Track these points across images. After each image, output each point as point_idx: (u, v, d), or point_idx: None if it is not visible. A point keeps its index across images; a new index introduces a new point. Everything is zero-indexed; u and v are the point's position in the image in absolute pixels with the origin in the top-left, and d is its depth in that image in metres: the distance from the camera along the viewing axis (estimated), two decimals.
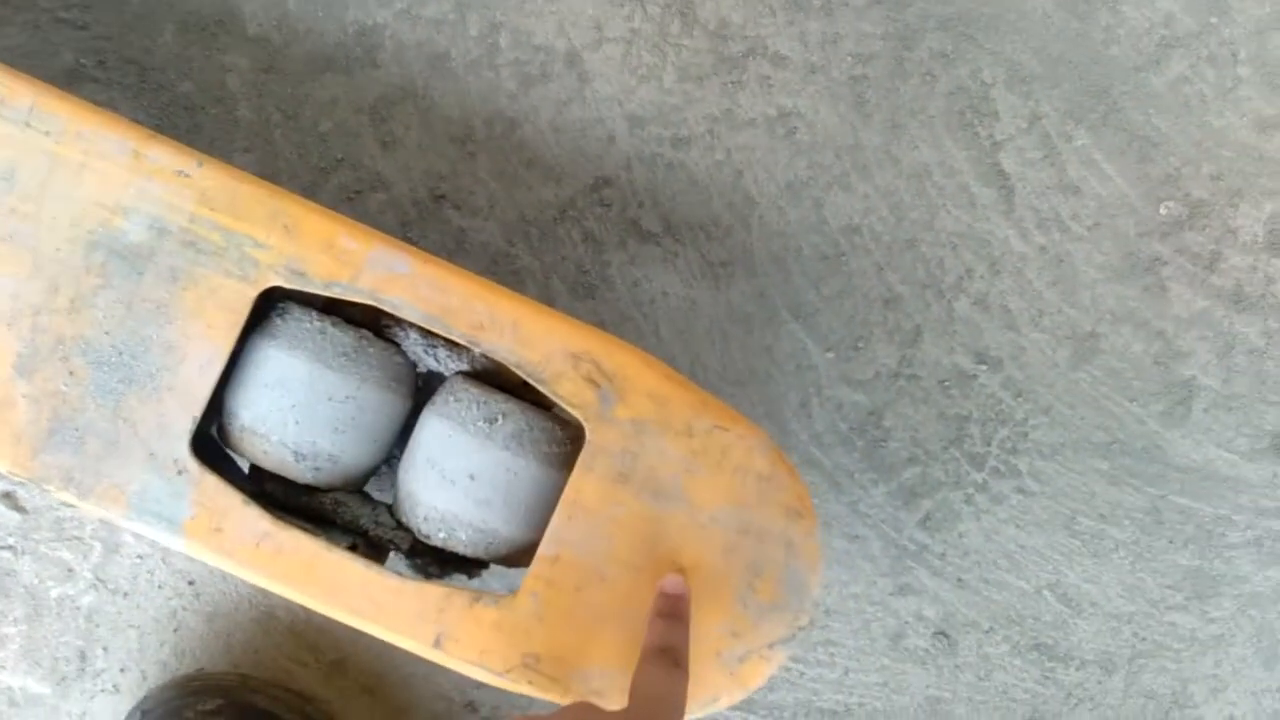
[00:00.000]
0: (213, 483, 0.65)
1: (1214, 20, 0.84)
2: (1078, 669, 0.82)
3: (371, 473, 0.71)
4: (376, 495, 0.74)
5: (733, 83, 0.82)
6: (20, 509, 0.80)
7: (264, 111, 0.81)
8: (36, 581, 0.80)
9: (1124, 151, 0.83)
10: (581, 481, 0.66)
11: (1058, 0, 0.83)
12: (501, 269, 0.81)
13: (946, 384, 0.82)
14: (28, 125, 0.65)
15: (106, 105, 0.80)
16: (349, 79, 0.81)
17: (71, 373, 0.65)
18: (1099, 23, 0.83)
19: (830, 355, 0.82)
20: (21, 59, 0.80)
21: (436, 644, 0.65)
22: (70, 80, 0.80)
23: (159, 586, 0.81)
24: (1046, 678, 0.82)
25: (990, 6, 0.83)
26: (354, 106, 0.81)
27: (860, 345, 0.82)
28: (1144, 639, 0.82)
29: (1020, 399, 0.82)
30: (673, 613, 0.62)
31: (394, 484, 0.70)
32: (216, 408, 0.68)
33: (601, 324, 0.81)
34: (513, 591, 0.66)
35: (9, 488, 0.80)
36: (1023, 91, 0.83)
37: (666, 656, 0.59)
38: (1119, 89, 0.83)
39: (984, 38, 0.83)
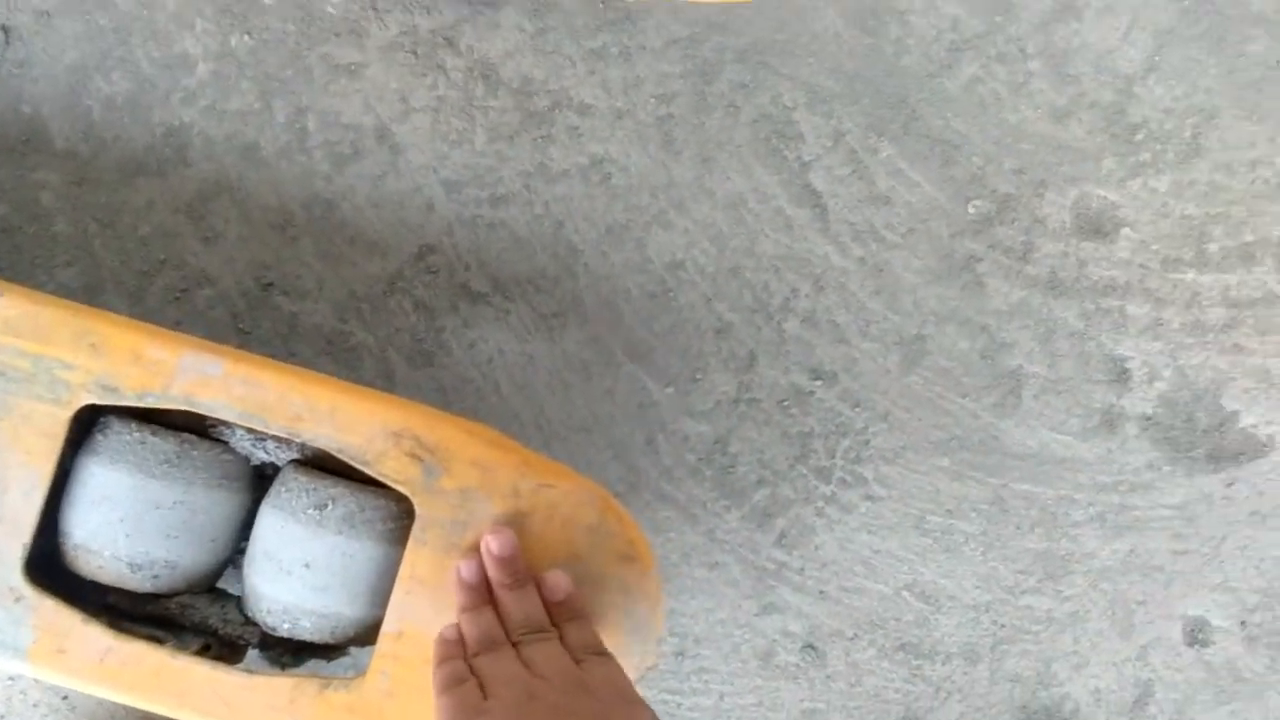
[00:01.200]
0: (50, 606, 0.66)
1: (999, 19, 0.87)
2: (943, 663, 0.84)
3: (219, 571, 0.72)
4: (235, 588, 0.75)
5: (543, 137, 0.84)
6: None
7: (81, 223, 0.81)
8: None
9: (927, 157, 0.85)
10: (416, 556, 0.67)
11: (847, 19, 0.86)
12: (337, 348, 0.82)
13: (786, 403, 0.84)
14: None
15: None
16: (163, 180, 0.82)
17: None
18: (889, 35, 0.86)
19: (670, 390, 0.84)
20: None
21: None
22: None
23: (34, 705, 0.81)
24: (915, 675, 0.84)
25: (783, 33, 0.85)
26: (171, 207, 0.82)
27: (698, 377, 0.84)
28: (1003, 625, 0.84)
29: (858, 409, 0.84)
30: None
31: (239, 579, 0.71)
32: (52, 528, 0.68)
33: (442, 390, 0.82)
34: (362, 672, 0.67)
35: None
36: (824, 111, 0.85)
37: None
38: (915, 97, 0.86)
39: (780, 64, 0.85)
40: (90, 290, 0.81)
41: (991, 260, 0.85)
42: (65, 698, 0.80)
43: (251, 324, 0.82)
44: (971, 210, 0.85)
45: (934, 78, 0.86)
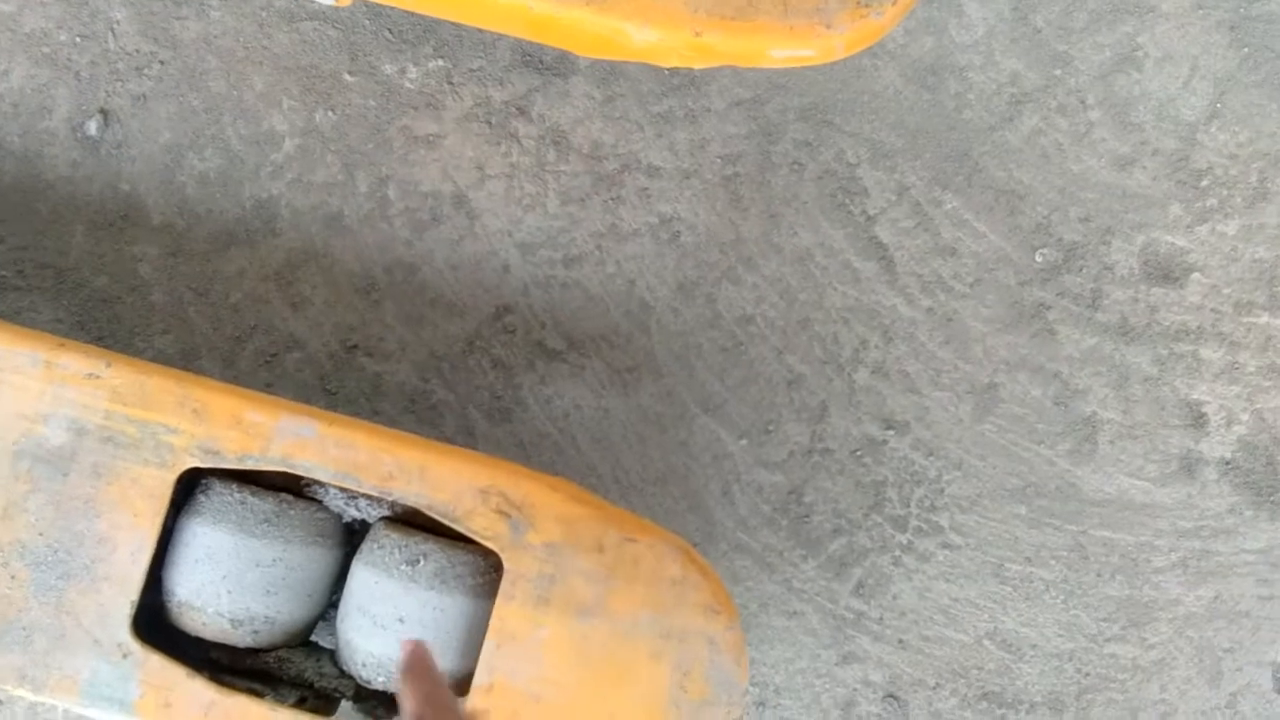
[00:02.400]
0: (157, 661, 0.68)
1: (1058, 72, 0.88)
2: (1028, 712, 0.83)
3: (313, 624, 0.74)
4: (328, 641, 0.77)
5: (613, 199, 0.87)
6: None
7: (176, 293, 0.86)
8: None
9: (992, 208, 0.87)
10: (505, 610, 0.69)
11: (906, 76, 0.88)
12: (419, 406, 0.85)
13: (859, 453, 0.85)
14: None
15: (28, 311, 0.85)
16: (252, 250, 0.86)
17: (13, 576, 0.69)
18: (949, 90, 0.88)
19: (744, 442, 0.85)
20: None
21: None
22: None
23: None
24: None
25: (844, 92, 0.88)
26: (260, 275, 0.86)
27: (771, 428, 0.85)
28: (1087, 674, 0.83)
29: (932, 457, 0.85)
30: (413, 668, 0.54)
31: (334, 633, 0.73)
32: (155, 587, 0.71)
33: (521, 445, 0.85)
34: None
35: None
36: (887, 166, 0.87)
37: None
38: (978, 150, 0.87)
39: (842, 121, 0.87)
40: (186, 356, 0.85)
41: (1061, 308, 0.86)
42: None
43: (338, 384, 0.85)
44: (1039, 259, 0.86)
45: (995, 130, 0.88)
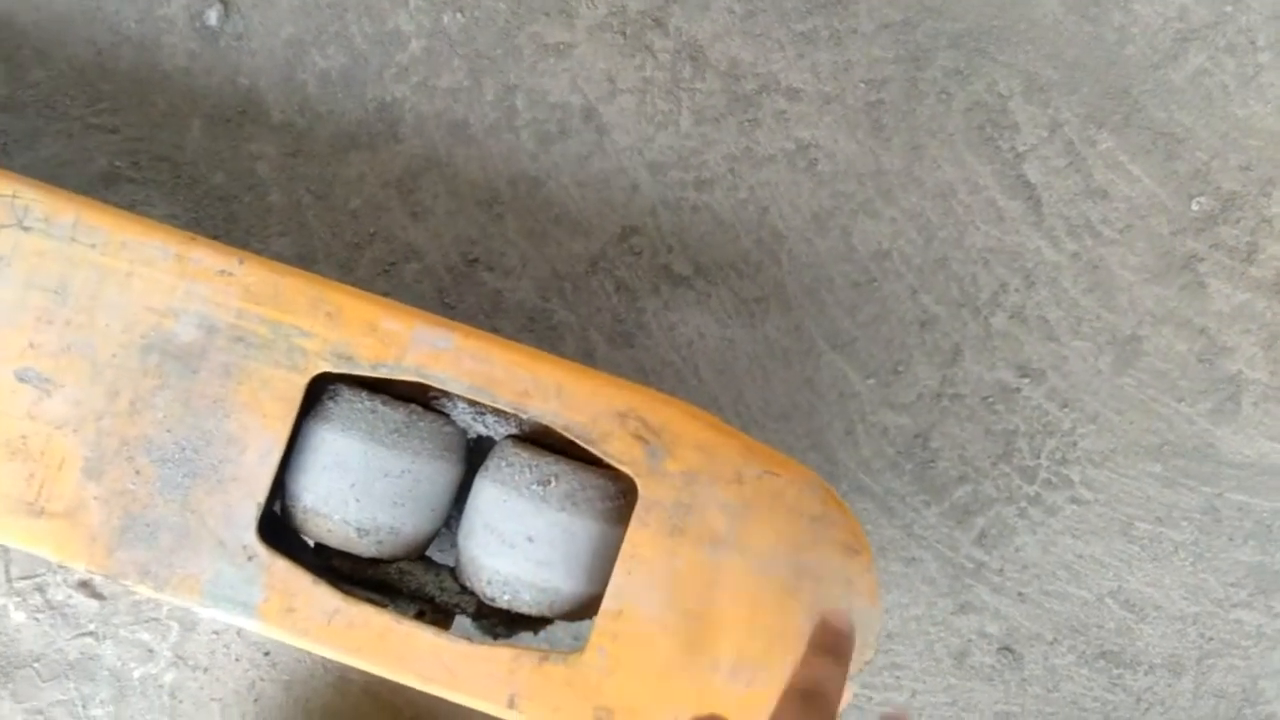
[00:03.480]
0: (282, 565, 0.67)
1: (1229, 9, 0.83)
2: (1146, 673, 0.81)
3: (431, 539, 0.73)
4: (437, 558, 0.76)
5: (749, 121, 0.83)
6: (98, 596, 0.83)
7: (295, 195, 0.83)
8: (119, 664, 0.83)
9: (1149, 150, 0.82)
10: (638, 536, 0.67)
11: (1067, 5, 0.83)
12: (539, 326, 0.83)
13: (990, 400, 0.82)
14: (73, 240, 0.68)
15: (143, 205, 0.83)
16: (374, 154, 0.83)
17: (138, 471, 0.68)
18: (1111, 23, 0.83)
19: (871, 381, 0.82)
20: (58, 168, 0.82)
21: (510, 704, 0.67)
22: (107, 183, 0.83)
23: (236, 659, 0.83)
24: (1115, 685, 0.81)
25: (1000, 18, 0.83)
26: (381, 181, 0.83)
27: (900, 369, 0.82)
28: (1210, 638, 0.81)
29: (1066, 409, 0.82)
30: (832, 650, 0.51)
31: (454, 548, 0.72)
32: (278, 491, 0.70)
33: (642, 371, 0.82)
34: (579, 648, 0.67)
35: (85, 576, 0.83)
36: (1041, 100, 0.83)
37: (814, 704, 0.47)
38: (1138, 88, 0.83)
39: (996, 50, 0.83)
40: (302, 260, 0.83)
41: (1214, 260, 0.82)
42: (267, 653, 0.83)
43: (456, 299, 0.83)
44: (1194, 207, 0.82)
45: (1158, 68, 0.83)
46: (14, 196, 0.68)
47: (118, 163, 0.83)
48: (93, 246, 0.68)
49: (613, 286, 0.83)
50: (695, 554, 0.67)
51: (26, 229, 0.68)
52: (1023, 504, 0.81)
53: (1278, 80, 0.83)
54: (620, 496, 0.69)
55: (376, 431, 0.68)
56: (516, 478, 0.69)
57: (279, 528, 0.74)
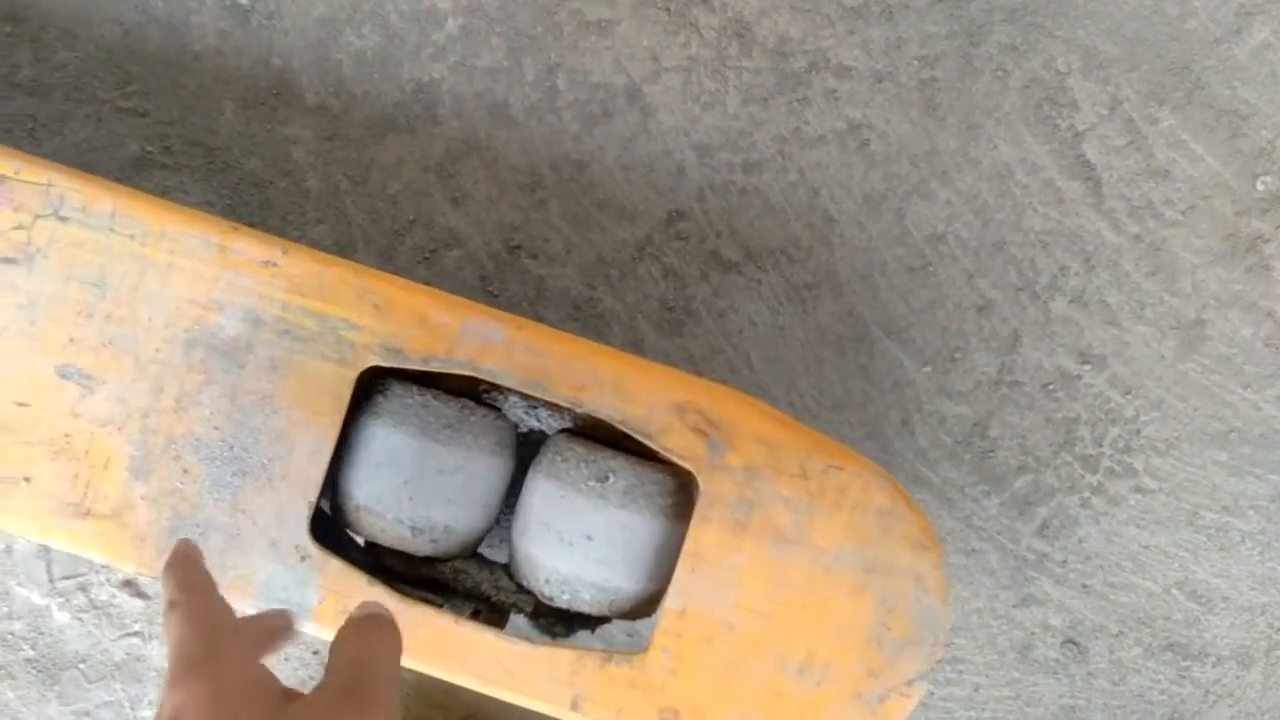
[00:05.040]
0: (336, 566, 0.65)
1: None
2: (1214, 665, 0.80)
3: (484, 537, 0.71)
4: (488, 554, 0.74)
5: (798, 100, 0.80)
6: (142, 595, 0.81)
7: (332, 180, 0.80)
8: (166, 665, 0.81)
9: (1213, 128, 0.80)
10: (700, 533, 0.65)
11: None
12: (585, 314, 0.80)
13: (1050, 387, 0.80)
14: (111, 230, 0.65)
15: (176, 191, 0.80)
16: (412, 138, 0.81)
17: (186, 470, 0.65)
18: None
19: (928, 369, 0.80)
20: (89, 153, 0.80)
21: (574, 706, 0.65)
22: (139, 169, 0.80)
23: (285, 659, 0.81)
24: (1182, 677, 0.80)
25: None
26: (420, 165, 0.81)
27: (957, 356, 0.80)
28: None
29: (1129, 395, 0.80)
30: (175, 562, 0.51)
31: (508, 545, 0.70)
32: (329, 488, 0.68)
33: (691, 360, 0.80)
34: (642, 647, 0.65)
35: (130, 575, 0.81)
36: (1100, 77, 0.80)
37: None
38: (1201, 64, 0.80)
39: (1054, 25, 0.80)
40: (341, 248, 0.80)
41: None
42: (316, 652, 0.81)
43: (499, 286, 0.81)
44: (1260, 187, 0.79)
45: (1221, 43, 0.80)
46: (49, 185, 0.65)
47: (149, 148, 0.80)
48: (132, 237, 0.65)
49: (660, 273, 0.80)
50: (759, 550, 0.65)
51: (63, 219, 0.65)
52: (1085, 494, 0.79)
53: None
54: (680, 492, 0.67)
55: (429, 427, 0.66)
56: (573, 473, 0.66)
57: (327, 526, 0.72)
